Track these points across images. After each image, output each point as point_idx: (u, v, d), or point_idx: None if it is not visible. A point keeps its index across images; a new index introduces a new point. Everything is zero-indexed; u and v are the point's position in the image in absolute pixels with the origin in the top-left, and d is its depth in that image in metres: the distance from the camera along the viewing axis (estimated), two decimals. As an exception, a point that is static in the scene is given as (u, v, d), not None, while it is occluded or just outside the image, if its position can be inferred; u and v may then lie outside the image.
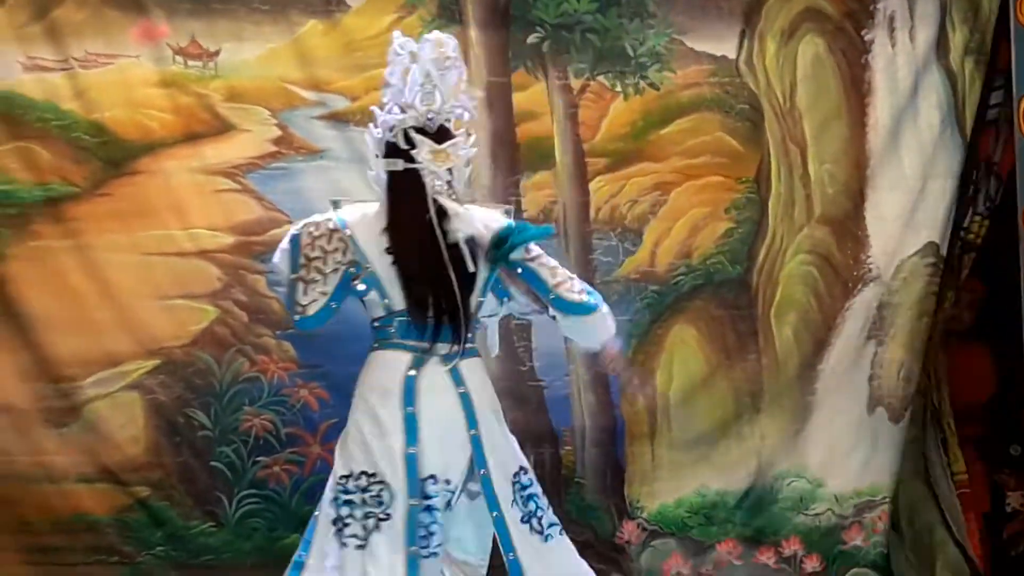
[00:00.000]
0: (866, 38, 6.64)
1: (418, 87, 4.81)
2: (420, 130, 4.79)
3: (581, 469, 6.43)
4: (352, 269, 4.85)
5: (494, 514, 4.81)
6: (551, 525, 4.87)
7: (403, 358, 4.86)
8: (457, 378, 4.85)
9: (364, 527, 4.77)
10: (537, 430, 6.37)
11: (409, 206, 4.81)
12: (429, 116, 4.82)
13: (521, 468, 4.90)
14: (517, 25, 6.46)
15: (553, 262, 4.87)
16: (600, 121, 6.56)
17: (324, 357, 6.17)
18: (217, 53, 6.32)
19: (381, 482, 4.80)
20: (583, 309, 4.86)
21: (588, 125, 6.56)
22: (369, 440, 4.81)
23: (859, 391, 6.63)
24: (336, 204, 5.06)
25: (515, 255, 4.83)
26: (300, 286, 4.87)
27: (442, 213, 4.78)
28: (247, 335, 6.26)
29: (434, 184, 4.79)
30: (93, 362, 6.18)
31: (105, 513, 6.17)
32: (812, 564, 6.57)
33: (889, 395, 6.62)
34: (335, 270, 4.86)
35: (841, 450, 6.59)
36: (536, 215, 6.49)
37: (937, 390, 6.76)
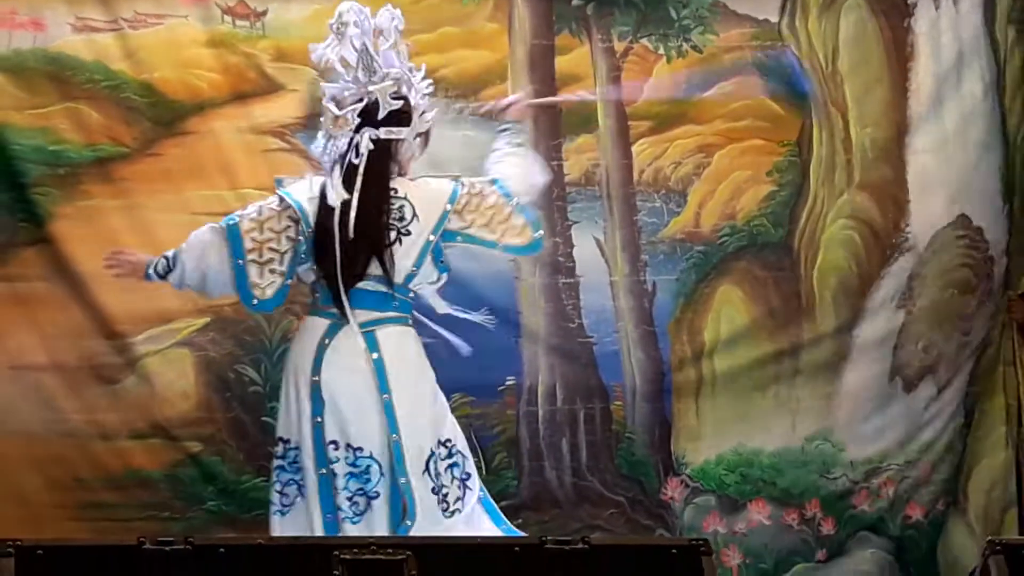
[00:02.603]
0: (909, 1, 6.64)
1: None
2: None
3: (631, 424, 6.45)
4: (301, 241, 5.04)
5: (401, 480, 4.88)
6: (456, 500, 4.94)
7: (321, 325, 5.03)
8: (372, 344, 4.92)
9: (287, 494, 5.01)
10: (587, 385, 6.37)
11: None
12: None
13: (447, 440, 4.96)
14: (562, -13, 6.49)
15: (486, 203, 4.97)
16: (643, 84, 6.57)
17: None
18: (264, 13, 6.34)
19: (297, 448, 4.98)
20: (532, 248, 5.12)
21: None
22: (290, 407, 5.01)
23: (884, 359, 6.66)
24: (280, 183, 5.34)
25: (449, 226, 4.96)
26: (254, 268, 5.01)
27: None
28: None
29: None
30: (144, 319, 6.21)
31: (157, 469, 6.21)
32: (827, 528, 6.60)
33: (907, 365, 6.66)
34: (289, 249, 5.07)
35: (861, 416, 6.63)
36: (579, 178, 6.51)
37: None
